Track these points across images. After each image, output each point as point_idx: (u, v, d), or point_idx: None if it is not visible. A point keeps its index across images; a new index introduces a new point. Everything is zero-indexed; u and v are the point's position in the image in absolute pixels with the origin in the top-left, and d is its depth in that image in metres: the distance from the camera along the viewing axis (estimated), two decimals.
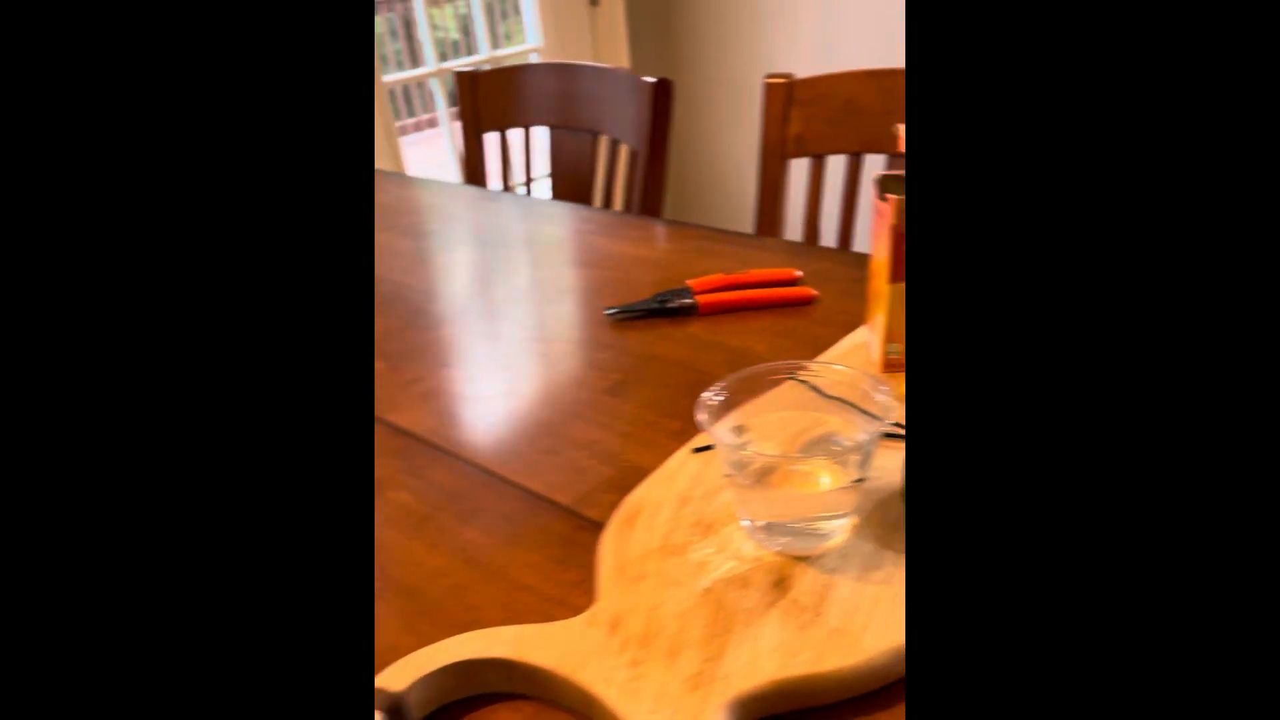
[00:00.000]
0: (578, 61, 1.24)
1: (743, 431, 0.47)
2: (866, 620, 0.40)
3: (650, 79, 1.11)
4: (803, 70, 1.10)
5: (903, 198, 0.53)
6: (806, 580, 0.43)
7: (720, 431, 0.45)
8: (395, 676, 0.39)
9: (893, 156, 1.03)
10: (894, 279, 0.55)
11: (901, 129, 0.54)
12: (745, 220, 2.21)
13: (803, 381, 0.48)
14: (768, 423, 0.48)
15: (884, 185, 0.56)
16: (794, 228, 1.26)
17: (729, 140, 2.29)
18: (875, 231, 0.57)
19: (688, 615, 0.41)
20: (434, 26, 2.14)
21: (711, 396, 0.46)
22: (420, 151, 3.69)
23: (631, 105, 1.15)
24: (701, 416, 0.44)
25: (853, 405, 0.46)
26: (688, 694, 0.37)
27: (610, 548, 0.47)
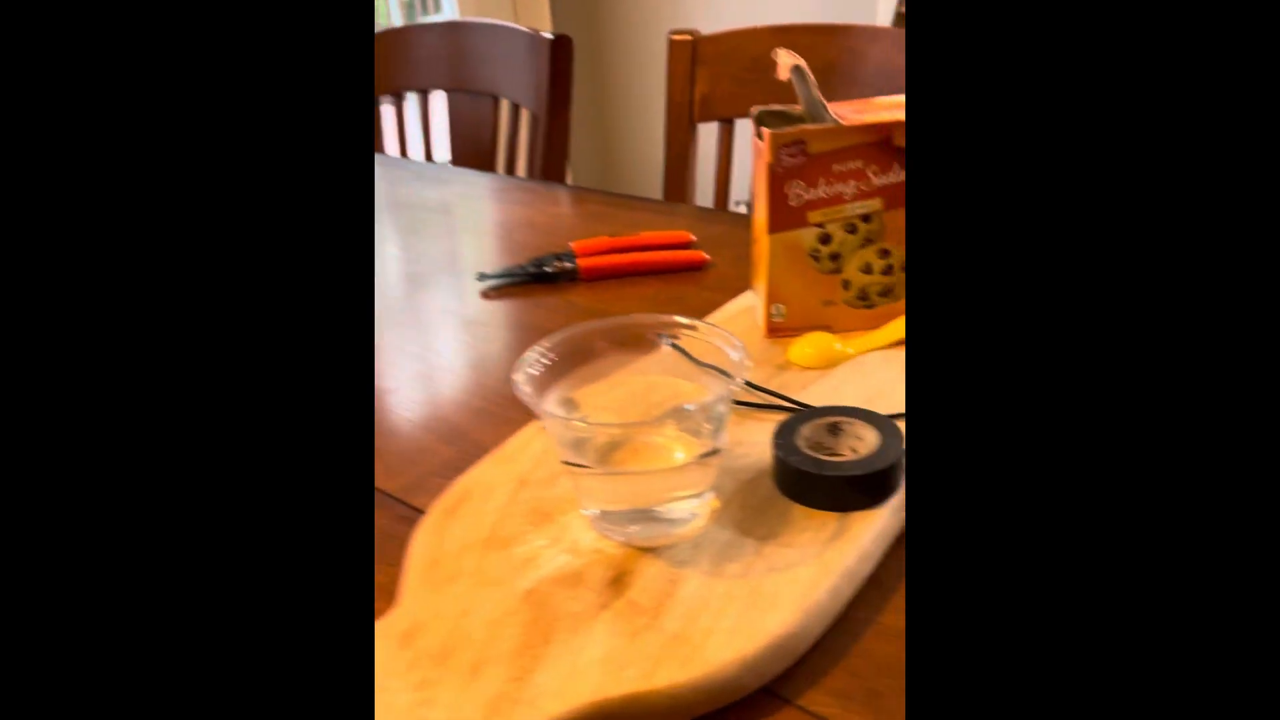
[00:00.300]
0: (469, 19, 1.15)
1: (574, 405, 0.40)
2: (712, 624, 0.33)
3: (547, 34, 1.03)
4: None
5: (779, 132, 0.46)
6: (649, 576, 0.36)
7: (548, 404, 0.38)
8: None
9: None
10: (773, 228, 0.48)
11: (781, 52, 0.47)
12: (658, 188, 2.13)
13: (670, 343, 0.41)
14: (607, 392, 0.41)
15: (761, 120, 0.49)
16: (705, 196, 1.19)
17: (648, 104, 2.21)
18: (755, 174, 0.50)
19: (500, 623, 0.34)
20: None
21: (536, 359, 0.39)
22: None
23: (529, 65, 1.06)
24: (520, 380, 0.37)
25: (714, 369, 0.39)
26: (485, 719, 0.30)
27: (424, 542, 0.39)
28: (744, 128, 1.12)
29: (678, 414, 0.38)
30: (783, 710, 0.32)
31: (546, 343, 0.39)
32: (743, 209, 0.89)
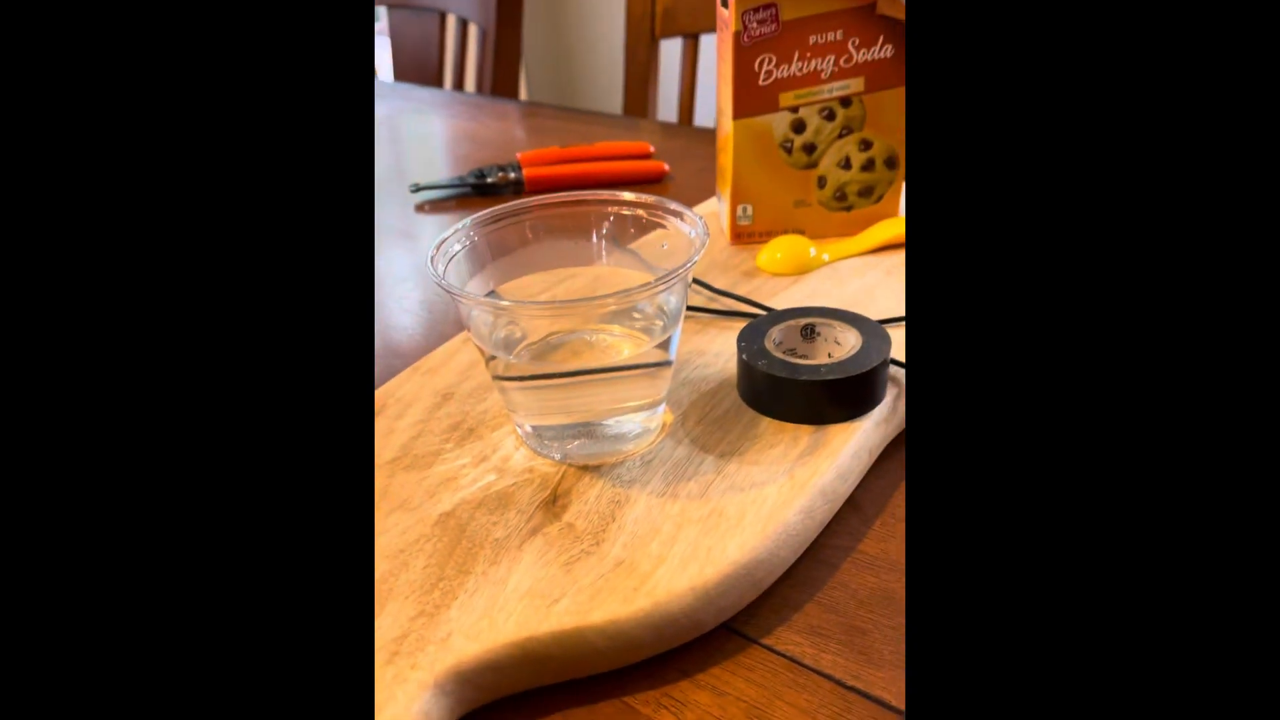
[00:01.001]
0: None
1: (501, 300, 0.34)
2: (662, 550, 0.27)
3: None
4: None
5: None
6: (589, 498, 0.30)
7: (470, 291, 0.32)
8: None
9: None
10: (738, 113, 0.42)
11: None
12: (618, 108, 2.02)
13: (606, 232, 0.34)
14: (545, 289, 0.35)
15: None
16: (668, 115, 1.12)
17: (606, 16, 2.09)
18: (719, 50, 0.44)
19: (410, 551, 0.28)
20: None
21: (459, 241, 0.32)
22: None
23: None
24: (438, 263, 0.30)
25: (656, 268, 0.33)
26: (380, 667, 0.24)
27: None
28: (709, 43, 1.05)
29: (623, 302, 0.32)
30: (746, 650, 0.27)
31: (470, 221, 0.33)
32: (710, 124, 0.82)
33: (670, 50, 1.05)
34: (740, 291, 0.42)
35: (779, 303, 0.41)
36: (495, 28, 0.98)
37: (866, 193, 0.45)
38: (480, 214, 0.33)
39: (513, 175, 0.63)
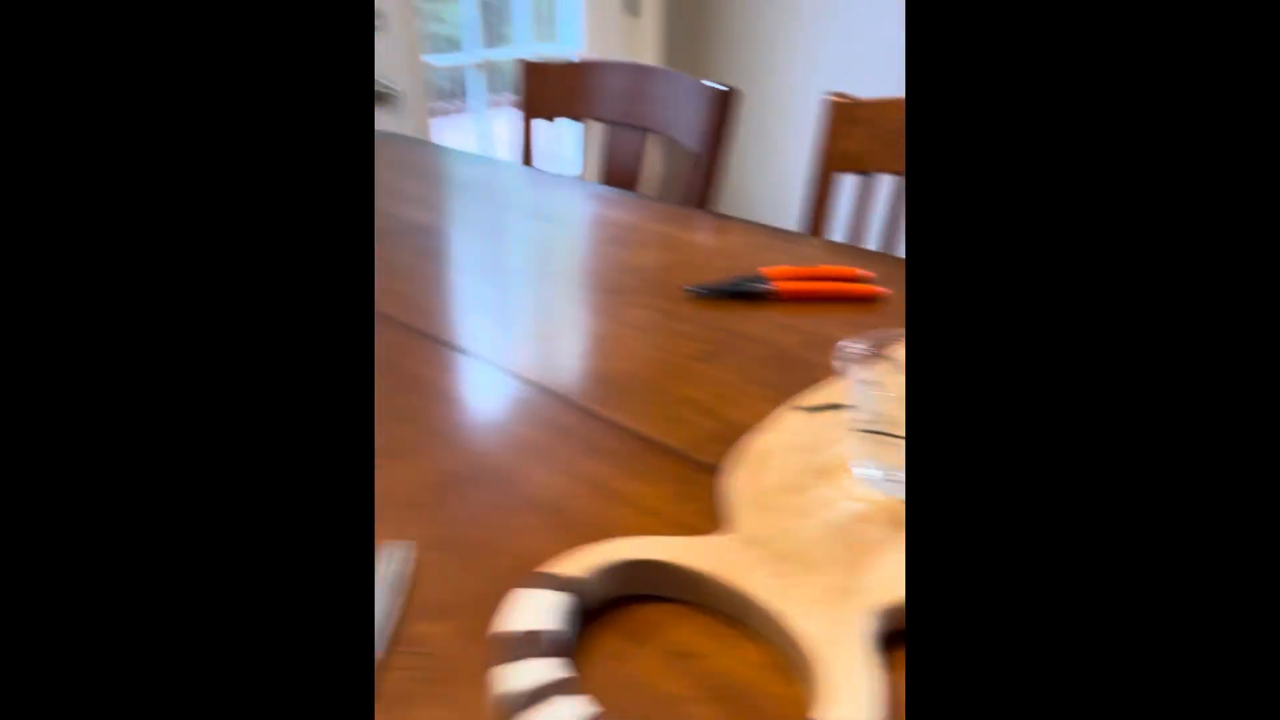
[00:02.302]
0: (652, 65, 1.29)
1: (875, 385, 0.52)
2: None
3: (716, 86, 1.17)
4: (811, 89, 1.16)
5: None
6: None
7: (862, 377, 0.50)
8: (569, 565, 0.43)
9: None
10: None
11: None
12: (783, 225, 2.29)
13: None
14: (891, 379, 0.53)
15: None
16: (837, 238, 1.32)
17: (764, 149, 2.36)
18: None
19: (819, 541, 0.46)
20: (439, 19, 2.18)
21: (850, 345, 0.51)
22: (447, 136, 3.67)
23: (696, 109, 1.20)
24: (839, 363, 0.49)
25: None
26: (835, 600, 0.42)
27: (737, 482, 0.51)
28: (881, 181, 1.24)
29: None
30: None
31: (864, 336, 0.52)
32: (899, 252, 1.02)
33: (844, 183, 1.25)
34: None
35: None
36: (709, 154, 1.19)
37: None
38: (870, 333, 0.52)
39: (764, 286, 0.82)
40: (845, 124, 1.12)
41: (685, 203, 1.24)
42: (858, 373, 0.51)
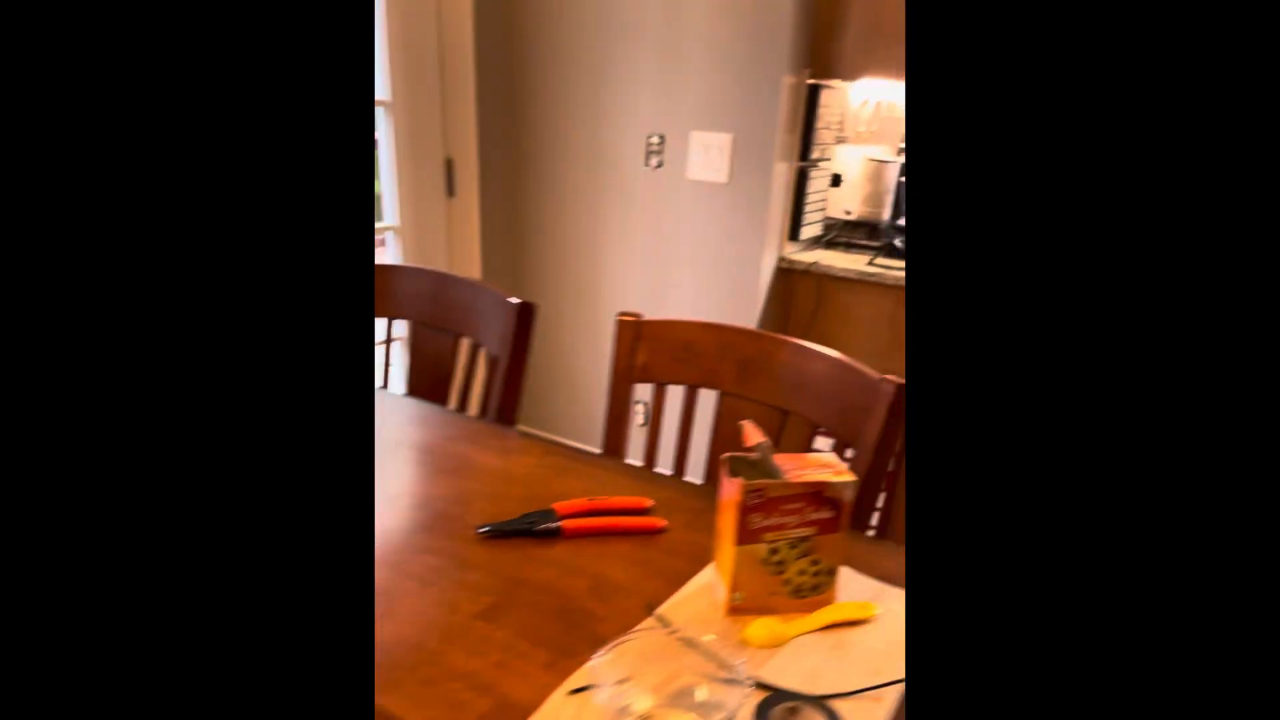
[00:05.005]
0: (455, 274, 1.35)
1: (623, 681, 0.56)
2: None
3: (516, 300, 1.24)
4: (626, 305, 1.27)
5: (747, 481, 0.67)
6: None
7: (605, 687, 0.54)
8: None
9: (725, 395, 1.20)
10: (738, 542, 0.68)
11: (748, 425, 0.69)
12: (585, 436, 2.33)
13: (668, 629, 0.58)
14: (638, 667, 0.58)
15: (733, 466, 0.70)
16: (635, 446, 1.40)
17: (571, 356, 2.46)
18: (723, 501, 0.70)
19: None
20: None
21: (600, 657, 0.55)
22: None
23: (499, 319, 1.27)
24: (594, 672, 0.53)
25: (714, 658, 0.57)
26: None
27: None
28: (674, 392, 1.32)
29: (689, 698, 0.55)
30: None
31: (611, 644, 0.56)
32: (694, 479, 1.09)
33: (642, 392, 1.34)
34: (736, 660, 0.66)
35: (765, 669, 0.65)
36: (508, 360, 1.25)
37: (815, 590, 0.71)
38: (616, 642, 0.57)
39: (553, 524, 0.86)
40: (634, 340, 1.22)
41: (485, 409, 1.27)
42: (605, 675, 0.55)
